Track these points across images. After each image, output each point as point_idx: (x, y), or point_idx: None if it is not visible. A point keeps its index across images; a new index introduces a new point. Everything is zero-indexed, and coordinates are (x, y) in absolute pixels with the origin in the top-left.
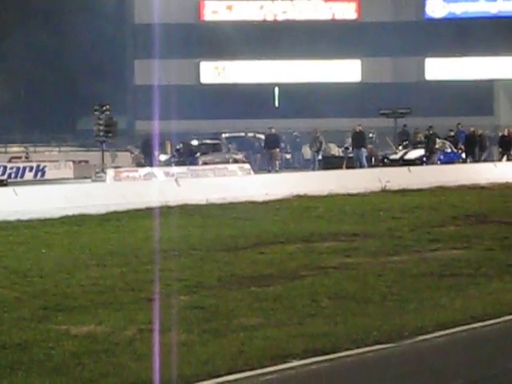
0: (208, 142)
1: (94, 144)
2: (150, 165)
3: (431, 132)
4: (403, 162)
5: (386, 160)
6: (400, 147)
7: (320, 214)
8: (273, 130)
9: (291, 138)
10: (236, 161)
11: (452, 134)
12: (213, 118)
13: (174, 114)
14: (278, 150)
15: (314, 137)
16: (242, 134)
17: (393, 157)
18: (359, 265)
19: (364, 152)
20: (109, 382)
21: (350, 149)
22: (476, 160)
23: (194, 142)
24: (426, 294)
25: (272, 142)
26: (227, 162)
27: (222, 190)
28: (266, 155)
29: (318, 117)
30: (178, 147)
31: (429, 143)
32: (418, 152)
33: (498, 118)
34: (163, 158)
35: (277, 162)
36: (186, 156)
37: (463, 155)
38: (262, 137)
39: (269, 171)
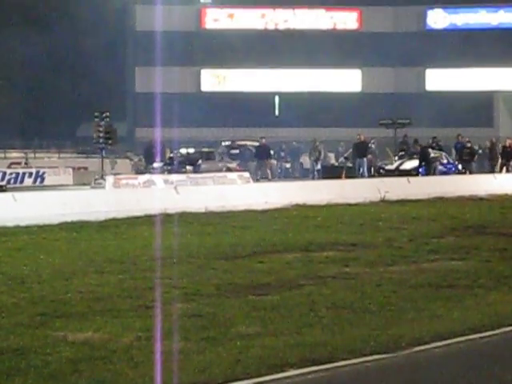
0: (201, 150)
1: (93, 151)
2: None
3: (432, 143)
4: (399, 173)
5: (381, 170)
6: (396, 158)
7: (319, 224)
8: (263, 141)
9: (291, 147)
10: (229, 169)
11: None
12: (213, 126)
13: (174, 121)
14: (269, 160)
15: (314, 146)
16: (242, 143)
17: (388, 167)
18: (357, 275)
19: (365, 162)
20: None
21: (349, 159)
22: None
23: (189, 150)
24: (423, 305)
25: (263, 152)
26: (220, 170)
27: (222, 198)
28: (257, 165)
29: (319, 126)
30: (171, 155)
31: (423, 154)
32: (414, 163)
33: (497, 129)
34: (156, 165)
35: (268, 171)
36: (178, 164)
37: (459, 166)
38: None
39: (257, 180)
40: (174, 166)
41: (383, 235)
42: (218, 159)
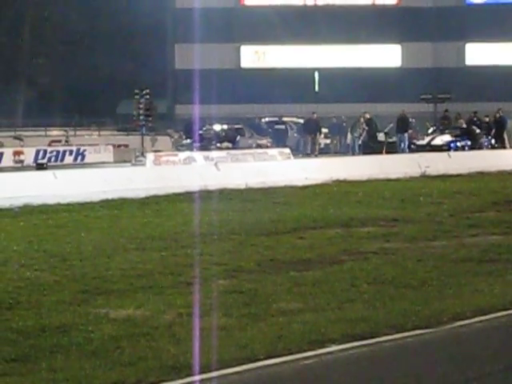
0: (231, 127)
1: (133, 128)
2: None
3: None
4: (430, 148)
5: (412, 146)
6: (430, 131)
7: (359, 199)
8: (314, 116)
9: (330, 123)
10: (259, 146)
11: (487, 119)
12: (253, 102)
13: (213, 98)
14: (317, 135)
15: (358, 122)
16: (286, 119)
17: (420, 142)
18: (398, 250)
19: (406, 137)
20: (148, 366)
21: (389, 134)
22: (503, 145)
23: (217, 127)
24: (465, 280)
25: (312, 127)
26: (250, 147)
27: (262, 174)
28: (305, 140)
29: (358, 101)
30: (200, 132)
31: (469, 130)
32: (445, 138)
33: None
34: (185, 142)
35: (316, 147)
36: (207, 141)
37: (492, 141)
38: (301, 121)
39: (307, 155)
40: (202, 143)
41: (424, 210)
42: (248, 136)
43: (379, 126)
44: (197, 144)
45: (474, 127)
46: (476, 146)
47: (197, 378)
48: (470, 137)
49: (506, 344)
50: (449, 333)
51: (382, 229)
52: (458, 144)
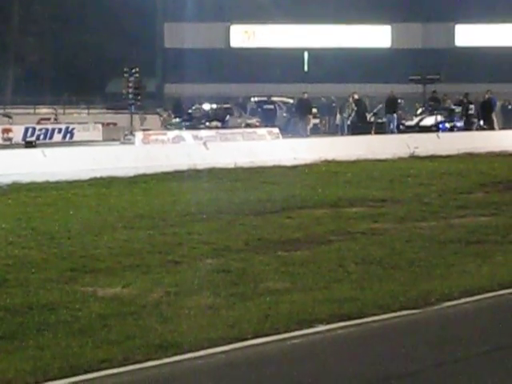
0: (220, 106)
1: (122, 106)
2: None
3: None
4: (419, 129)
5: (401, 126)
6: (419, 111)
7: (348, 180)
8: (305, 95)
9: (319, 103)
10: (249, 125)
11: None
12: (242, 81)
13: (203, 77)
14: (309, 115)
15: (348, 103)
16: (276, 99)
17: (408, 123)
18: (386, 230)
19: (395, 118)
20: (135, 344)
21: (378, 114)
22: (491, 127)
23: (206, 106)
24: (452, 261)
25: (304, 107)
26: (239, 126)
27: (251, 153)
28: (296, 120)
29: (348, 82)
30: (189, 111)
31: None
32: (434, 119)
33: None
34: (174, 121)
35: (308, 128)
36: (196, 120)
37: (481, 122)
38: (291, 101)
39: (298, 135)
40: (191, 122)
41: (412, 191)
42: (237, 115)
43: (368, 106)
44: (186, 123)
45: (454, 107)
46: (469, 126)
47: (184, 356)
48: (453, 117)
49: (493, 325)
50: (436, 313)
51: (371, 209)
52: (447, 125)
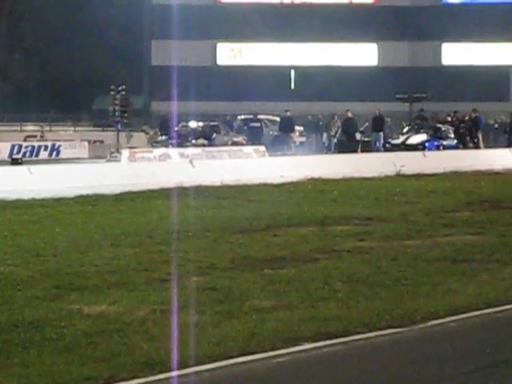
0: (207, 124)
1: (109, 124)
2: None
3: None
4: (405, 147)
5: (387, 145)
6: (405, 130)
7: (334, 198)
8: (288, 114)
9: (306, 121)
10: (235, 143)
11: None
12: (229, 99)
13: (190, 95)
14: (292, 133)
15: (333, 121)
16: (261, 117)
17: (395, 141)
18: (372, 249)
19: (382, 136)
20: (120, 362)
21: (365, 133)
22: (477, 145)
23: (192, 124)
24: (438, 279)
25: (287, 125)
26: (226, 144)
27: (237, 171)
28: (281, 138)
29: (334, 100)
30: (176, 129)
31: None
32: (420, 137)
33: None
34: (161, 139)
35: (292, 145)
36: (183, 138)
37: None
38: (277, 119)
39: (284, 154)
40: (178, 140)
41: (398, 209)
42: (224, 133)
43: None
44: (172, 141)
45: (440, 125)
46: (463, 145)
47: (169, 374)
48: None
49: (479, 344)
50: (422, 332)
51: (357, 227)
52: (434, 143)
